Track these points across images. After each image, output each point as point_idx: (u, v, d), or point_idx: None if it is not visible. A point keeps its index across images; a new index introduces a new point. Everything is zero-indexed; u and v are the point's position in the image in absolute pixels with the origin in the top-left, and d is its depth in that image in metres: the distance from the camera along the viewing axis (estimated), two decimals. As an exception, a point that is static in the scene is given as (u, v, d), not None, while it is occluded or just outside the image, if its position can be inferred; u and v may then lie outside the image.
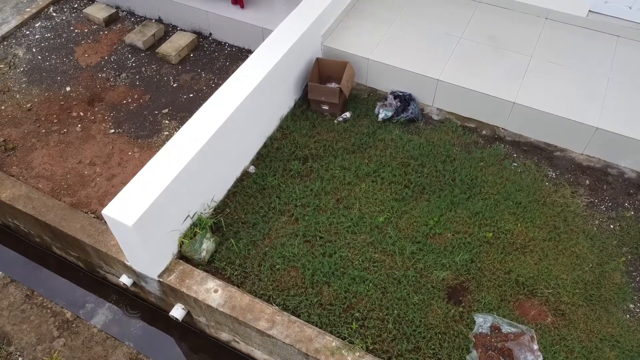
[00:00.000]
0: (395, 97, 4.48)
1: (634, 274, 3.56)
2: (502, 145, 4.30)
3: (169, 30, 5.49)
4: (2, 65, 5.18)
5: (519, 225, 3.78)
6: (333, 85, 4.51)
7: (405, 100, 4.46)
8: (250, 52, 5.10)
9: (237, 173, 4.10)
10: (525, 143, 4.32)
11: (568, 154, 4.24)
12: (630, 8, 4.60)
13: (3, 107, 4.78)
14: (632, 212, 3.87)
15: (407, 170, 4.11)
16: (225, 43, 5.36)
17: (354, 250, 3.66)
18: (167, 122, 4.62)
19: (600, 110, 4.10)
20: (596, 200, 3.94)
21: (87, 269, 4.33)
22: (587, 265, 3.58)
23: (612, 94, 4.22)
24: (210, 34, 5.40)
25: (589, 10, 4.73)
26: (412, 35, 4.76)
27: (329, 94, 4.37)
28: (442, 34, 4.77)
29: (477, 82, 4.32)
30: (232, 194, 4.00)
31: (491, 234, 3.73)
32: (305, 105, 4.59)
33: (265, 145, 4.31)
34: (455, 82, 4.33)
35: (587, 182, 4.06)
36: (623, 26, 4.66)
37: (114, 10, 5.66)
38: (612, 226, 3.80)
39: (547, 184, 4.04)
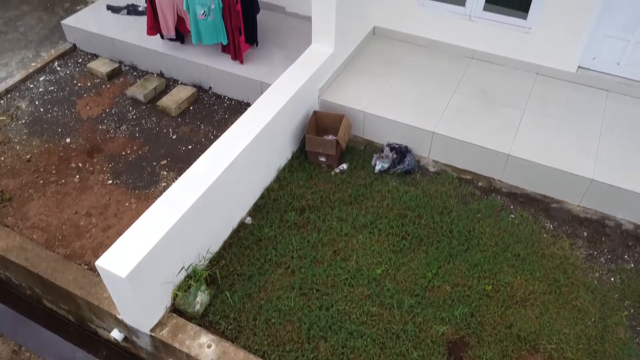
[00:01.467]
0: (391, 149, 4.53)
1: (638, 328, 3.48)
2: (499, 196, 4.31)
3: (170, 84, 5.63)
4: (4, 117, 5.26)
5: (519, 277, 3.73)
6: (330, 137, 4.57)
7: (401, 152, 4.51)
8: (249, 105, 5.20)
9: (234, 224, 4.08)
10: (522, 195, 4.33)
11: (565, 205, 4.24)
12: (618, 64, 4.74)
13: (2, 158, 4.81)
14: (632, 265, 3.83)
15: (405, 221, 4.10)
16: (224, 96, 5.47)
17: (351, 303, 3.59)
18: (165, 173, 4.65)
19: (594, 162, 4.14)
20: (595, 253, 3.91)
21: (77, 323, 4.22)
22: (589, 320, 3.51)
23: (605, 147, 4.28)
24: (210, 87, 5.53)
25: (578, 66, 4.87)
26: (407, 89, 4.88)
27: (326, 146, 4.42)
28: (437, 88, 4.89)
29: (471, 134, 4.38)
30: (228, 245, 3.96)
31: (490, 286, 3.67)
32: (302, 156, 4.64)
33: (262, 196, 4.31)
34: (450, 135, 4.40)
35: (585, 234, 4.04)
36: (612, 81, 4.79)
37: (117, 65, 5.81)
38: (612, 279, 3.75)
39: (545, 235, 4.02)
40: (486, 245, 3.93)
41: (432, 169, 4.56)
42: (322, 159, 4.52)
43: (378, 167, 4.48)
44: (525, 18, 4.80)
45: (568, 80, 4.93)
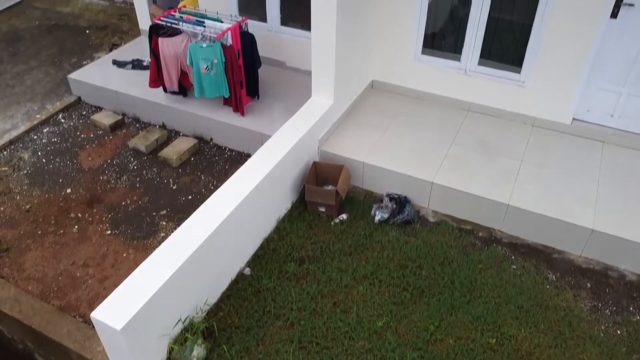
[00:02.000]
0: (391, 199, 4.54)
1: (648, 384, 3.37)
2: (500, 247, 4.28)
3: (171, 135, 5.71)
4: (6, 168, 5.31)
5: (523, 330, 3.65)
6: (330, 187, 4.60)
7: (400, 202, 4.52)
8: (249, 156, 5.25)
9: (232, 275, 4.03)
10: (523, 245, 4.30)
11: (566, 256, 4.21)
12: (612, 116, 4.84)
13: (2, 208, 4.81)
14: (638, 317, 3.75)
15: (405, 272, 4.05)
16: (225, 147, 5.54)
17: (352, 357, 3.49)
18: (164, 223, 4.64)
19: (593, 212, 4.14)
20: (600, 304, 3.84)
21: (69, 379, 4.08)
22: (597, 375, 3.40)
23: (603, 197, 4.29)
24: (212, 138, 5.61)
25: (573, 118, 4.97)
26: (406, 140, 4.95)
27: (325, 196, 4.43)
28: (435, 139, 4.96)
29: (470, 184, 4.41)
30: (226, 296, 3.89)
31: (494, 340, 3.58)
32: (302, 206, 4.64)
33: (261, 247, 4.28)
34: (449, 185, 4.42)
35: (589, 285, 3.99)
36: (606, 132, 4.87)
37: (120, 117, 5.92)
38: (619, 332, 3.66)
39: (548, 287, 3.96)
40: (489, 297, 3.87)
41: (432, 219, 4.55)
42: (322, 209, 4.52)
43: (378, 217, 4.48)
44: (519, 72, 4.94)
45: (563, 131, 5.01)
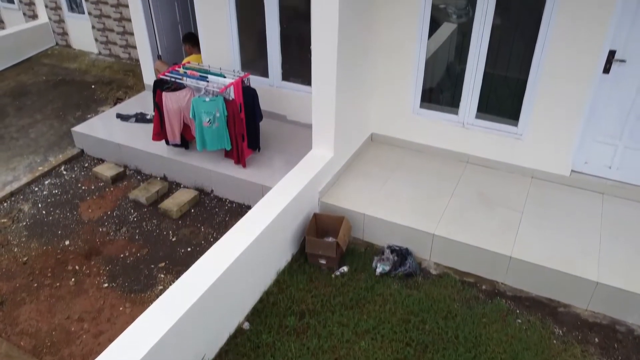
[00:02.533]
0: (392, 251, 4.50)
1: None
2: (504, 300, 4.20)
3: (172, 187, 5.73)
4: (5, 220, 5.29)
5: (531, 388, 3.52)
6: (330, 239, 4.57)
7: (402, 254, 4.48)
8: (249, 207, 5.26)
9: (231, 329, 3.92)
10: (527, 298, 4.22)
11: (572, 309, 4.12)
12: (610, 168, 4.88)
13: (-1, 261, 4.77)
14: (650, 374, 3.63)
15: (408, 326, 3.95)
16: (226, 199, 5.55)
17: (354, 417, 3.34)
18: (162, 276, 4.57)
19: (597, 264, 4.10)
20: (609, 360, 3.73)
21: None
22: None
23: (606, 249, 4.26)
24: (212, 190, 5.63)
25: (572, 170, 5.01)
26: (406, 192, 4.96)
27: (326, 248, 4.40)
28: (435, 191, 4.98)
29: (472, 236, 4.38)
30: (224, 352, 3.78)
31: (502, 398, 3.45)
32: (302, 259, 4.59)
33: (261, 300, 4.20)
34: (451, 237, 4.40)
35: (597, 340, 3.88)
36: (605, 184, 4.90)
37: (121, 169, 5.97)
38: (630, 389, 3.53)
39: (554, 342, 3.86)
40: (494, 353, 3.75)
41: (434, 272, 4.49)
42: (323, 261, 4.47)
43: (379, 270, 4.42)
44: (516, 125, 5.03)
45: (562, 183, 5.04)
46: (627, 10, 4.21)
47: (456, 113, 5.27)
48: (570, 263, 4.10)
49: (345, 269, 4.48)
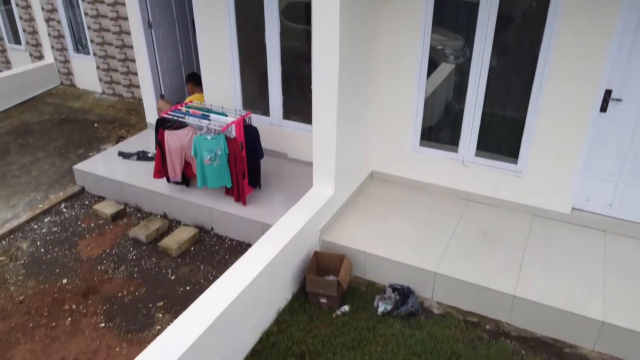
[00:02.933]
0: (393, 290, 4.44)
1: None
2: (508, 340, 4.11)
3: (172, 225, 5.71)
4: (2, 258, 5.24)
5: None
6: (331, 278, 4.51)
7: (404, 293, 4.42)
8: (250, 245, 5.21)
9: (229, 371, 3.83)
10: (532, 338, 4.14)
11: (579, 350, 4.03)
12: (611, 205, 4.88)
13: (-6, 300, 4.70)
14: (661, 418, 3.52)
15: (411, 368, 3.85)
16: (226, 237, 5.52)
17: None
18: (160, 315, 4.49)
19: (602, 303, 4.03)
20: (619, 404, 3.62)
21: None
22: None
23: (611, 287, 4.20)
24: (212, 228, 5.60)
25: (573, 208, 5.00)
26: (407, 229, 4.94)
27: (327, 287, 4.34)
28: (436, 228, 4.96)
29: (474, 275, 4.33)
30: (222, 395, 3.68)
31: None
32: (303, 297, 4.53)
33: (260, 341, 4.11)
34: (453, 275, 4.35)
35: (605, 382, 3.78)
36: (607, 222, 4.88)
37: (122, 207, 5.96)
38: None
39: (562, 384, 3.76)
40: (500, 396, 3.65)
41: (436, 311, 4.42)
42: (323, 300, 4.40)
43: (381, 309, 4.35)
44: (516, 162, 5.06)
45: (564, 221, 5.02)
46: (622, 50, 4.30)
47: (456, 151, 5.31)
48: (575, 302, 4.04)
49: (346, 308, 4.41)
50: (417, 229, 4.96)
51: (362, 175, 5.66)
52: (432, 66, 5.17)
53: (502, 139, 5.12)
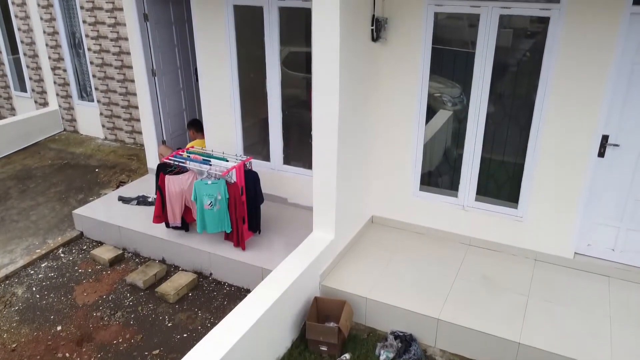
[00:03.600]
0: (395, 338, 4.34)
1: None
2: (515, 391, 3.98)
3: (170, 270, 5.64)
4: (-3, 304, 5.15)
5: None
6: (332, 324, 4.42)
7: (406, 340, 4.31)
8: (249, 291, 5.14)
9: None
10: (539, 389, 4.01)
11: (588, 401, 3.90)
12: (613, 250, 4.84)
13: (-14, 348, 4.57)
14: None
15: (415, 420, 3.71)
16: (224, 282, 5.44)
17: None
18: (156, 364, 4.37)
19: (610, 350, 3.93)
20: None
21: None
22: None
23: (618, 334, 4.11)
24: (211, 273, 5.53)
25: (575, 253, 4.96)
26: (408, 275, 4.88)
27: (327, 334, 4.24)
28: (438, 274, 4.90)
29: (477, 321, 4.25)
30: None
31: None
32: (303, 345, 4.41)
33: (258, 391, 3.98)
34: (456, 322, 4.26)
35: None
36: (610, 267, 4.83)
37: (120, 252, 5.90)
38: None
39: None
40: None
41: (439, 359, 4.30)
42: (324, 347, 4.29)
43: (383, 357, 4.23)
44: (516, 207, 5.06)
45: (567, 266, 4.97)
46: (617, 96, 4.39)
47: (456, 196, 5.33)
48: (582, 349, 3.94)
49: (347, 356, 4.29)
50: (419, 274, 4.90)
51: (362, 219, 5.65)
52: (431, 112, 5.26)
53: (502, 183, 5.15)
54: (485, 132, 5.00)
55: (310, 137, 4.74)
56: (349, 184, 5.03)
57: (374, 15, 4.82)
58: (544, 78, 4.55)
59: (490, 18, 4.61)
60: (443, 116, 5.41)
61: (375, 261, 5.11)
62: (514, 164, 5.01)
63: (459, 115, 5.20)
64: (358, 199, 5.39)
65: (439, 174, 5.51)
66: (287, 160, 6.23)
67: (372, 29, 4.86)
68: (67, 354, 4.49)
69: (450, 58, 5.06)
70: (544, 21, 4.44)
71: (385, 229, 5.70)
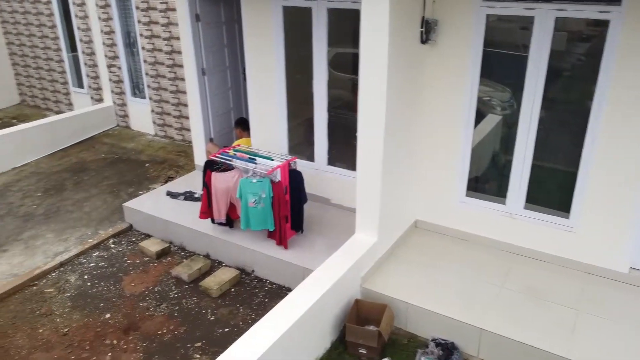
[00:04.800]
0: (437, 345, 4.27)
1: None
2: (560, 407, 3.84)
3: (214, 265, 5.76)
4: (52, 289, 5.40)
5: None
6: (372, 328, 4.39)
7: (447, 349, 4.23)
8: (289, 290, 5.18)
9: (264, 420, 3.72)
10: (587, 407, 3.85)
11: (639, 423, 3.71)
12: (672, 267, 4.60)
13: (40, 330, 4.80)
14: None
15: None
16: (266, 280, 5.51)
17: None
18: (198, 356, 4.47)
19: (665, 373, 3.74)
20: None
21: None
22: None
23: (675, 356, 3.90)
24: (253, 270, 5.61)
25: (630, 267, 4.74)
26: (451, 281, 4.79)
27: (367, 337, 4.22)
28: (482, 282, 4.79)
29: (524, 333, 4.12)
30: None
31: None
32: (342, 347, 4.41)
33: (297, 390, 4.01)
34: (499, 332, 4.15)
35: None
36: (669, 284, 4.59)
37: (166, 245, 6.08)
38: None
39: None
40: None
41: (481, 370, 4.20)
42: (363, 351, 4.27)
43: (423, 364, 4.17)
44: (567, 217, 4.88)
45: (621, 280, 4.75)
46: (680, 106, 4.16)
47: (503, 203, 5.19)
48: (635, 369, 3.76)
49: (386, 360, 4.26)
50: (463, 281, 4.81)
51: (406, 223, 5.59)
52: (479, 117, 5.15)
53: (553, 192, 4.98)
54: (537, 138, 4.83)
55: (355, 138, 4.72)
56: (393, 186, 4.99)
57: (423, 17, 4.77)
58: (602, 85, 4.36)
59: (546, 20, 4.47)
60: (492, 121, 5.29)
61: (418, 266, 5.05)
62: (566, 172, 4.83)
63: (509, 120, 5.06)
64: (402, 203, 5.34)
65: (486, 180, 5.38)
66: (332, 161, 6.25)
67: (422, 31, 4.81)
68: (115, 341, 4.66)
69: (500, 61, 4.94)
70: (602, 24, 4.26)
71: (429, 234, 5.62)
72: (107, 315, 5.00)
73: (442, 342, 4.29)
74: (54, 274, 5.68)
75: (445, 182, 5.43)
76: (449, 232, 5.57)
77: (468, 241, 5.45)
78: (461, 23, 4.83)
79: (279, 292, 5.30)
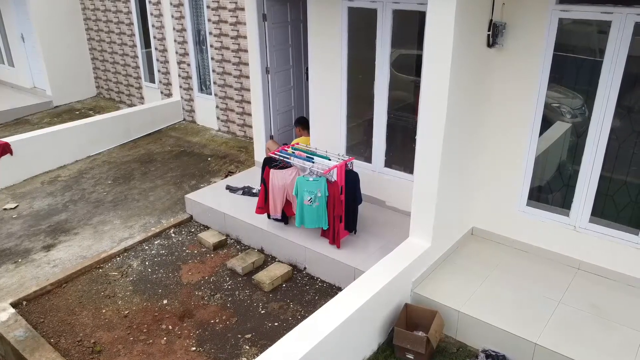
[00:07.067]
0: (487, 356, 4.16)
1: None
2: None
3: (267, 260, 5.89)
4: (115, 273, 5.72)
5: None
6: (420, 333, 4.34)
7: (498, 361, 4.12)
8: (340, 289, 5.21)
9: (308, 416, 3.77)
10: None
11: None
12: None
13: (104, 311, 5.10)
14: None
15: None
16: (317, 278, 5.56)
17: None
18: (247, 347, 4.59)
19: None
20: None
21: None
22: None
23: None
24: (305, 267, 5.68)
25: None
26: (507, 293, 4.64)
27: (415, 343, 4.17)
28: (539, 295, 4.60)
29: (582, 353, 3.92)
30: None
31: None
32: (389, 350, 4.38)
33: (342, 389, 4.02)
34: (556, 350, 3.97)
35: None
36: None
37: (223, 237, 6.27)
38: None
39: None
40: None
41: (534, 387, 4.05)
42: (410, 356, 4.23)
43: (471, 376, 4.08)
44: (637, 234, 4.60)
45: (695, 305, 4.42)
46: None
47: (567, 215, 4.96)
48: None
49: (434, 368, 4.19)
50: (519, 294, 4.64)
51: (461, 230, 5.47)
52: (545, 123, 4.94)
53: (622, 206, 4.70)
54: (608, 148, 4.59)
55: (414, 141, 4.67)
56: (451, 192, 4.89)
57: (491, 20, 4.64)
58: (684, 93, 4.08)
59: (624, 25, 4.23)
60: (560, 128, 5.06)
61: (472, 274, 4.93)
62: (639, 186, 4.54)
63: (578, 128, 4.83)
64: (459, 209, 5.23)
65: (550, 190, 5.16)
66: (389, 163, 6.21)
67: (489, 34, 4.68)
68: (170, 327, 4.87)
69: (573, 66, 4.71)
70: (689, 30, 3.98)
71: (486, 243, 5.47)
72: (165, 301, 5.23)
73: (493, 353, 4.17)
74: (118, 258, 6.01)
75: (505, 190, 5.26)
76: (506, 242, 5.39)
77: (527, 252, 5.25)
78: (531, 26, 4.65)
79: (330, 290, 5.34)
